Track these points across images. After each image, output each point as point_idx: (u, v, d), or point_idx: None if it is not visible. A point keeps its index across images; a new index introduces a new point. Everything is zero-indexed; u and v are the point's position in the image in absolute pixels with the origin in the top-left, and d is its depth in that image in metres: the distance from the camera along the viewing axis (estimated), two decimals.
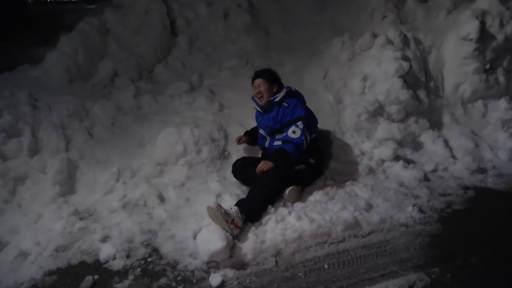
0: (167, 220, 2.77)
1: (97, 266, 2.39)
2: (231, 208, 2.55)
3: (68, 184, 3.18)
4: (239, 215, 2.51)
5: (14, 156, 3.29)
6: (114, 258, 2.42)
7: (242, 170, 3.13)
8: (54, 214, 2.82)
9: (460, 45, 4.29)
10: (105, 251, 2.45)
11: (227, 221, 2.42)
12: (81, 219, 2.84)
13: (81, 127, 3.82)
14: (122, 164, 3.37)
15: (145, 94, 4.49)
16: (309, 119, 3.07)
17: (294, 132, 2.93)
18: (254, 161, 3.18)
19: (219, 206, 2.44)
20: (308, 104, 3.36)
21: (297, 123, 2.96)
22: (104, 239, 2.60)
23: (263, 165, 2.83)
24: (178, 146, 3.37)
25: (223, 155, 3.50)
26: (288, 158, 2.87)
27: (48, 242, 2.56)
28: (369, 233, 2.59)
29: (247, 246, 2.41)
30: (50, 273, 2.35)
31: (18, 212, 2.91)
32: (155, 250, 2.51)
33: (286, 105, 3.04)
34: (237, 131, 3.70)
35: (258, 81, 3.20)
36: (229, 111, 4.02)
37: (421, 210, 2.82)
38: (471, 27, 4.18)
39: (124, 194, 3.02)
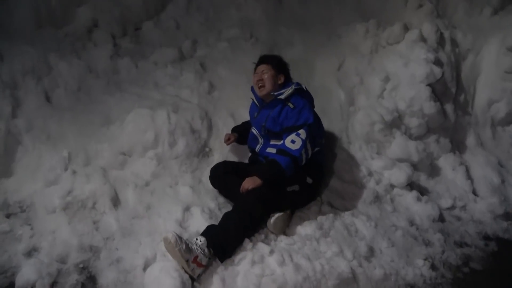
0: (117, 235, 2.19)
1: None
2: (197, 239, 1.97)
3: (3, 164, 2.55)
4: (205, 250, 1.93)
5: None
6: (33, 286, 1.85)
7: (223, 179, 2.52)
8: None
9: (503, 55, 3.60)
10: (24, 274, 1.88)
11: (187, 260, 1.85)
12: (8, 216, 2.26)
13: (38, 88, 3.14)
14: (77, 145, 2.73)
15: (125, 55, 3.76)
16: (315, 129, 2.44)
17: (293, 141, 2.31)
18: (239, 169, 2.58)
19: (178, 240, 1.86)
20: (316, 101, 2.74)
21: (299, 132, 2.34)
22: (30, 253, 2.03)
23: (248, 183, 2.23)
24: (149, 133, 2.73)
25: (203, 151, 2.87)
26: (280, 174, 2.26)
27: None
28: None
29: None
30: None
31: None
32: (91, 279, 1.96)
33: (292, 106, 2.42)
34: (225, 123, 3.05)
35: (262, 66, 2.58)
36: (220, 95, 3.33)
37: (433, 266, 2.28)
38: None
39: (70, 189, 2.40)
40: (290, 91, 2.46)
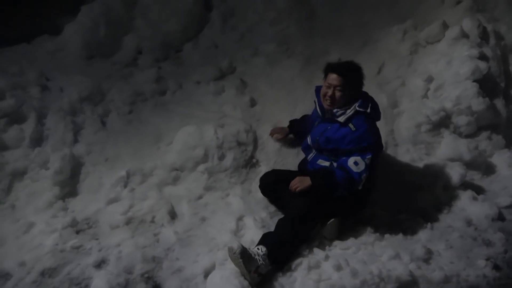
0: (176, 246, 2.30)
1: None
2: (258, 249, 2.03)
3: (70, 185, 2.77)
4: (266, 260, 1.99)
5: (14, 146, 2.90)
6: None
7: (273, 187, 2.56)
8: (47, 224, 2.42)
9: None
10: (97, 284, 2.02)
11: (249, 271, 1.92)
12: (78, 232, 2.44)
13: (94, 114, 3.38)
14: (133, 165, 2.89)
15: (169, 78, 3.97)
16: (378, 151, 2.34)
17: (356, 163, 2.19)
18: (288, 176, 2.61)
19: (243, 251, 1.93)
20: None
21: (365, 155, 2.21)
22: (99, 265, 2.18)
23: (298, 182, 2.25)
24: (199, 149, 2.86)
25: (250, 163, 2.96)
26: (332, 186, 2.22)
27: (34, 263, 2.17)
28: None
29: None
30: None
31: (10, 216, 2.53)
32: None
33: (353, 128, 2.26)
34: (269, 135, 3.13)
35: (337, 79, 2.29)
36: (262, 109, 3.43)
37: (496, 267, 2.19)
38: None
39: (131, 205, 2.56)
40: (350, 113, 2.29)
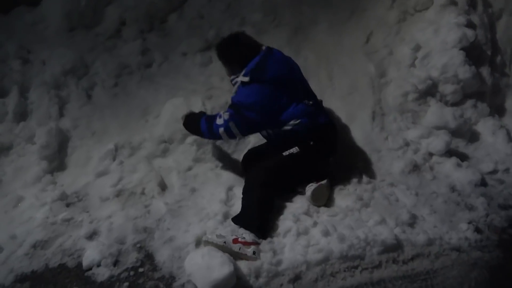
0: (167, 216, 2.32)
1: (78, 274, 2.02)
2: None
3: (57, 159, 2.75)
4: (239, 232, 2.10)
5: None
6: (98, 265, 2.02)
7: (250, 165, 2.58)
8: (37, 198, 2.42)
9: None
10: (89, 255, 2.05)
11: (230, 248, 2.00)
12: (68, 205, 2.44)
13: (78, 88, 3.31)
14: (121, 138, 2.87)
15: (155, 50, 3.88)
16: (248, 110, 2.28)
17: (220, 116, 2.35)
18: (264, 151, 2.62)
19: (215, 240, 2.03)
20: (346, 76, 2.73)
21: (226, 111, 2.34)
22: (91, 236, 2.20)
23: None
24: None
25: None
26: (197, 131, 2.49)
27: (25, 236, 2.18)
28: (412, 258, 2.08)
29: (260, 265, 1.95)
30: (23, 278, 1.99)
31: None
32: (149, 257, 2.10)
33: (233, 94, 2.43)
34: None
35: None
36: None
37: (477, 230, 2.28)
38: None
39: (120, 178, 2.56)
40: (238, 84, 2.37)
